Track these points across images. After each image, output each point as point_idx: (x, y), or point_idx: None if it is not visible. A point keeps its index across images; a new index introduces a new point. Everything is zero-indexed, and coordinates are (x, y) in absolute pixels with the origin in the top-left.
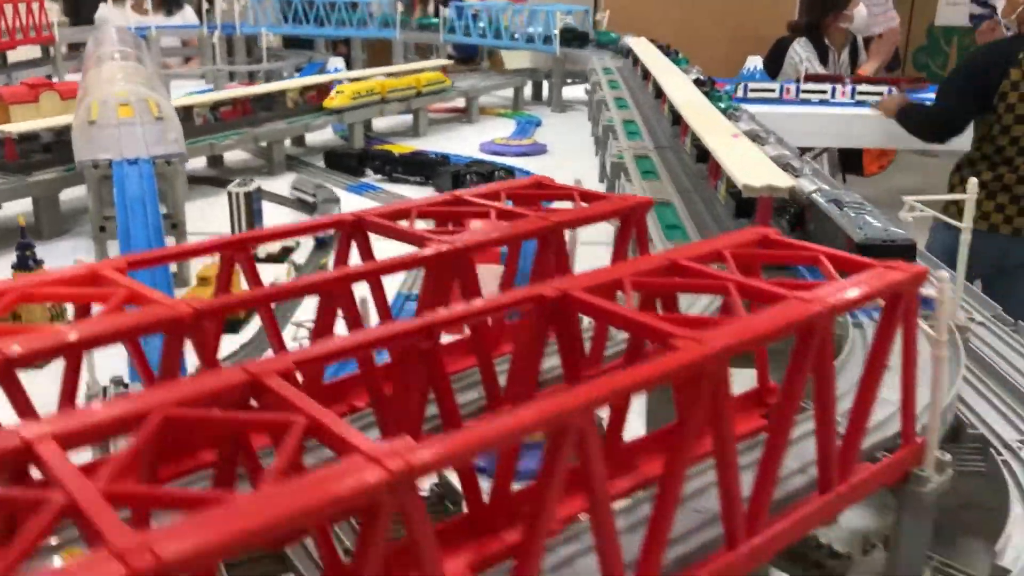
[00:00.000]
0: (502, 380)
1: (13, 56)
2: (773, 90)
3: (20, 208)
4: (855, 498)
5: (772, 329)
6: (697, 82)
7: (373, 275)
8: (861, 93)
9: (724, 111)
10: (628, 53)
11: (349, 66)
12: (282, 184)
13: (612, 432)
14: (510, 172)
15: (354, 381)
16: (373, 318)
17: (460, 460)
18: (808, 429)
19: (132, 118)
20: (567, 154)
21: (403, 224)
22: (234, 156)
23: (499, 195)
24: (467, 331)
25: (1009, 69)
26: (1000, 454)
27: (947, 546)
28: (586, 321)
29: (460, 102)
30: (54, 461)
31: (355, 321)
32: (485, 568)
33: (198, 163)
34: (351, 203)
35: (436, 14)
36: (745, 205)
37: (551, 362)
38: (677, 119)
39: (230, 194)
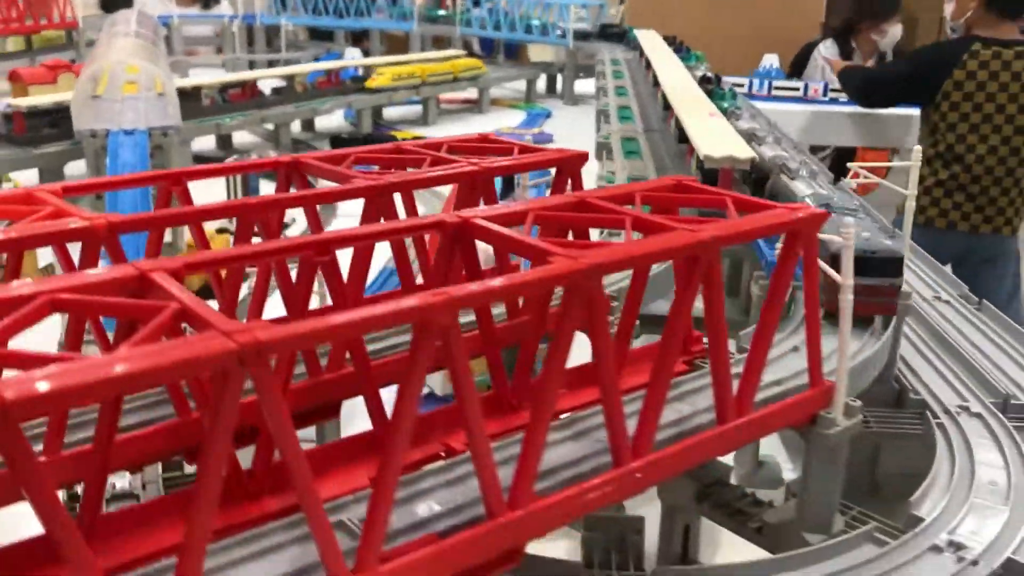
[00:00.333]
0: None
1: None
2: (798, 88)
3: (27, 179)
4: (756, 433)
5: (648, 252)
6: (703, 79)
7: (299, 202)
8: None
9: (725, 110)
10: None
11: (367, 57)
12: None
13: (522, 364)
14: None
15: None
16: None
17: (309, 342)
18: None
19: (136, 93)
20: (572, 143)
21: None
22: (243, 138)
23: (441, 147)
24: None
25: (953, 69)
26: (937, 418)
27: (893, 517)
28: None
29: (472, 93)
30: None
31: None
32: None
33: (207, 144)
34: None
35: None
36: (711, 177)
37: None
38: (668, 104)
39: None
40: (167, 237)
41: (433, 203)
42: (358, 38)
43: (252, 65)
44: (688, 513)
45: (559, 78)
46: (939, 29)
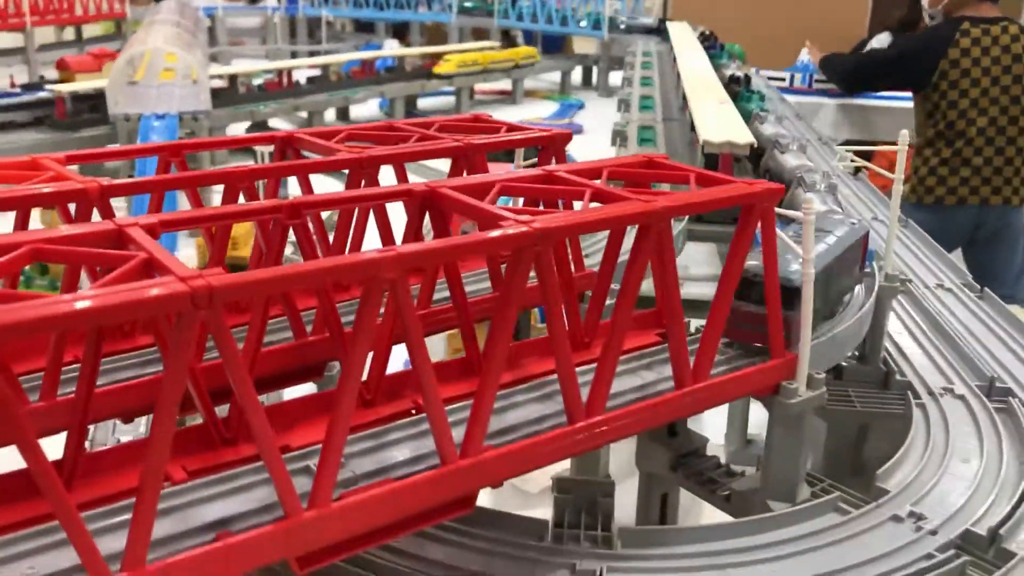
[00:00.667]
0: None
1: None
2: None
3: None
4: (714, 399)
5: (596, 219)
6: (732, 79)
7: (284, 172)
8: None
9: (749, 112)
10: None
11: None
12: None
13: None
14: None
15: None
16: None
17: (257, 290)
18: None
19: (172, 80)
20: (602, 135)
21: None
22: (278, 126)
23: (432, 125)
24: None
25: (947, 49)
26: (919, 398)
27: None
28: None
29: (506, 84)
30: None
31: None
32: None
33: (241, 131)
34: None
35: None
36: (713, 163)
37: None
38: None
39: (256, 152)
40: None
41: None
42: (399, 30)
43: (294, 56)
44: (665, 482)
45: (595, 70)
46: None
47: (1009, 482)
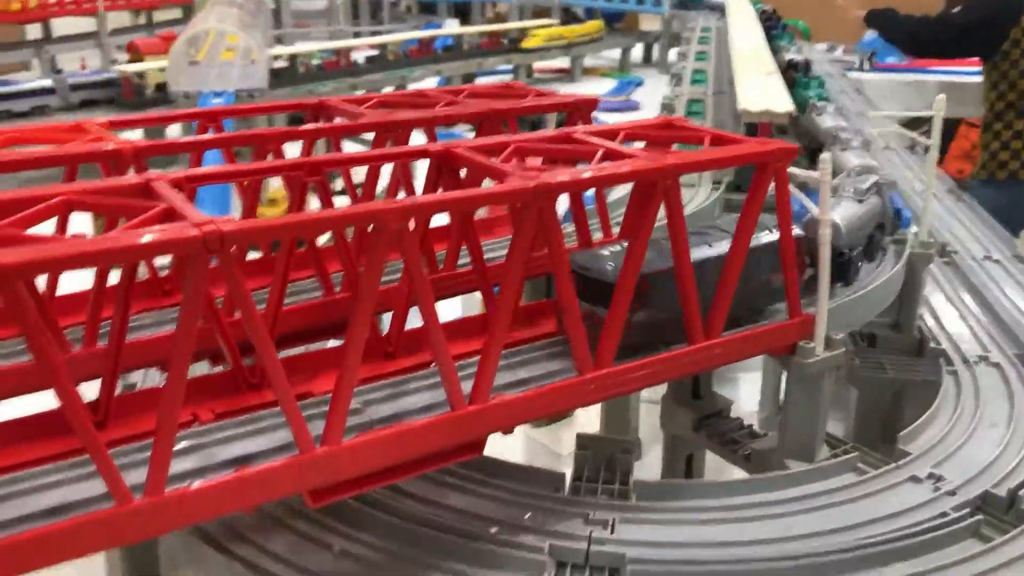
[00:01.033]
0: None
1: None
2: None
3: (134, 138)
4: (728, 356)
5: (604, 176)
6: (790, 64)
7: (311, 135)
8: None
9: (805, 101)
10: None
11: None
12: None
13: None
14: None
15: None
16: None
17: (269, 235)
18: None
19: (232, 60)
20: (658, 110)
21: (360, 108)
22: None
23: (461, 92)
24: None
25: (1020, 17)
26: (951, 365)
27: None
28: None
29: (565, 62)
30: None
31: None
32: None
33: None
34: None
35: None
36: (751, 131)
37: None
38: None
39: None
40: None
41: None
42: (460, 10)
43: (357, 36)
44: (689, 443)
45: (655, 47)
46: None
47: None
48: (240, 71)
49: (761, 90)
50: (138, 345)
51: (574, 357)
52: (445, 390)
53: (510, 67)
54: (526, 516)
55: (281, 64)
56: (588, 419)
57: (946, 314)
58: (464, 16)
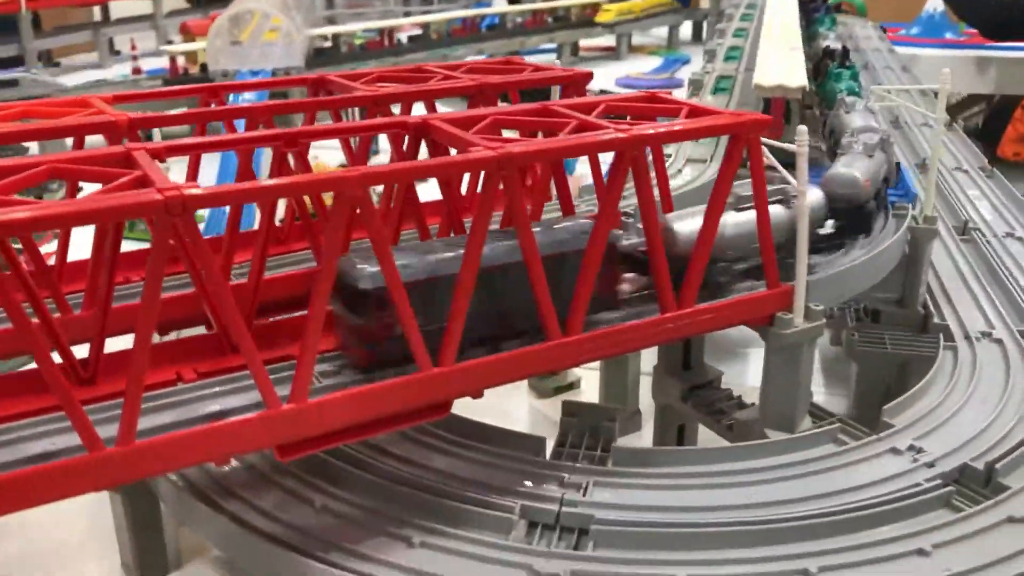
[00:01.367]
0: None
1: None
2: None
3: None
4: (702, 326)
5: (569, 146)
6: (826, 52)
7: (304, 108)
8: None
9: (834, 95)
10: None
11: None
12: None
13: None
14: None
15: None
16: None
17: (226, 200)
18: None
19: (274, 40)
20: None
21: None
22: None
23: (459, 68)
24: None
25: None
26: (952, 341)
27: None
28: None
29: (611, 40)
30: None
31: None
32: None
33: None
34: None
35: None
36: (767, 106)
37: None
38: None
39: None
40: None
41: None
42: None
43: (407, 16)
44: (680, 414)
45: (705, 25)
46: None
47: None
48: (278, 50)
49: (779, 65)
50: (126, 310)
51: (542, 321)
52: (412, 352)
53: (554, 45)
54: (503, 478)
55: (324, 44)
56: (593, 390)
57: (956, 290)
58: None
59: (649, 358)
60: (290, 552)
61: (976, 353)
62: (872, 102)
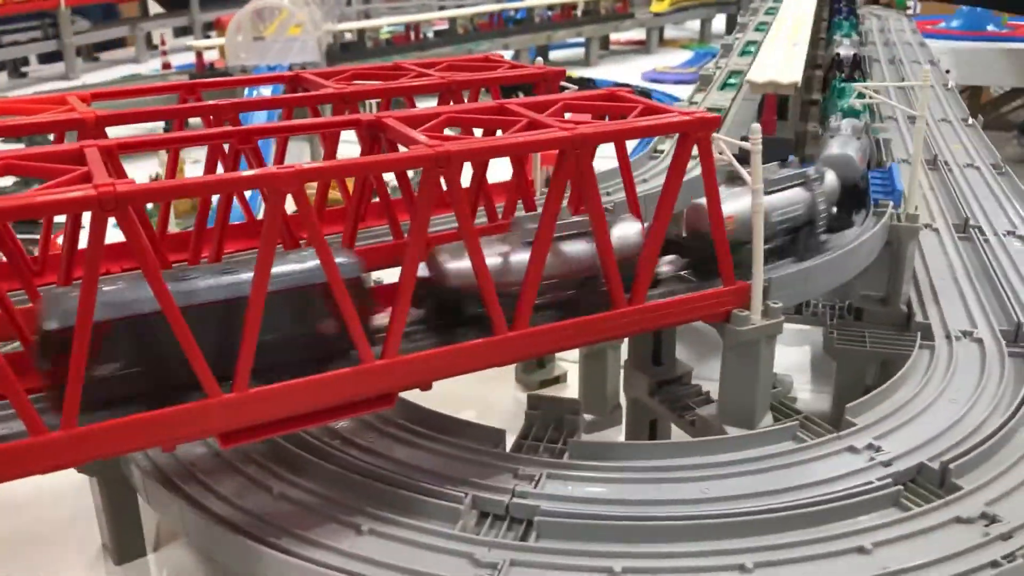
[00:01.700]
0: None
1: None
2: None
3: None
4: (654, 322)
5: (510, 144)
6: (834, 61)
7: (267, 105)
8: None
9: (832, 110)
10: None
11: None
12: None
13: None
14: (646, 94)
15: None
16: None
17: (160, 196)
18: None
19: (296, 35)
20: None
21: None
22: None
23: (436, 65)
24: None
25: None
26: (930, 340)
27: None
28: None
29: (641, 34)
30: None
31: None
32: None
33: None
34: None
35: None
36: (771, 104)
37: None
38: None
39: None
40: None
41: None
42: None
43: (442, 10)
44: (650, 408)
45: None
46: None
47: (991, 424)
48: (299, 46)
49: (777, 60)
50: None
51: (490, 316)
52: (355, 344)
53: (582, 40)
54: (459, 468)
55: (349, 38)
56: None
57: (944, 288)
58: None
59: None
60: (240, 536)
61: (954, 352)
62: (854, 98)
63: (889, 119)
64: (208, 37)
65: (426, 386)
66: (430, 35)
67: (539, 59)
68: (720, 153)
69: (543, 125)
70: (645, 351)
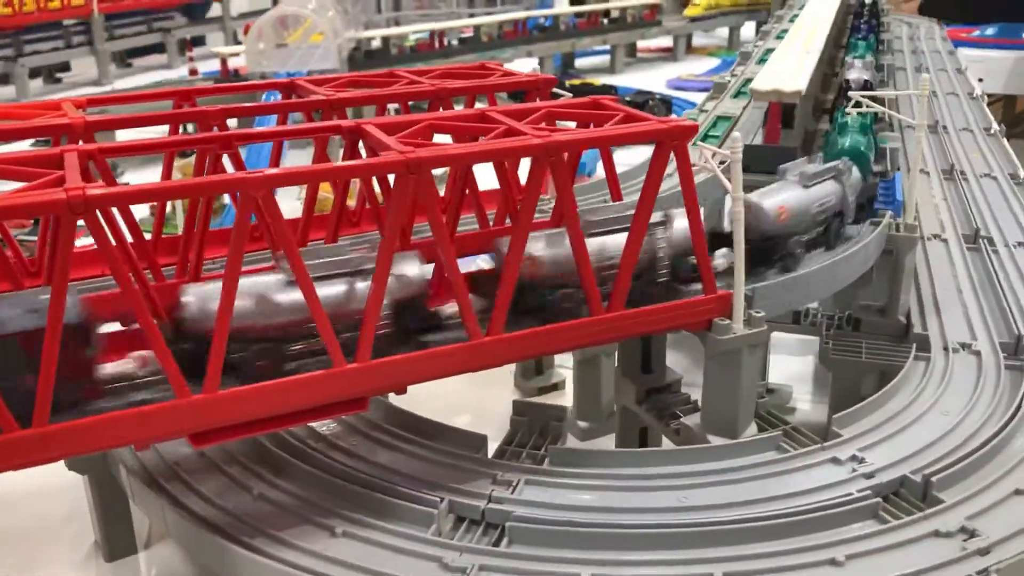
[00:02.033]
0: None
1: None
2: None
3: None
4: (632, 329)
5: (483, 151)
6: (842, 88)
7: (259, 111)
8: None
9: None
10: None
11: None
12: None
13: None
14: (667, 102)
15: None
16: None
17: (130, 200)
18: None
19: (318, 43)
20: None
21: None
22: None
23: (430, 72)
24: None
25: None
26: (927, 352)
27: None
28: None
29: (668, 42)
30: None
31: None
32: None
33: None
34: None
35: None
36: (776, 112)
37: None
38: None
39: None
40: None
41: None
42: None
43: (471, 16)
44: (636, 415)
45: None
46: None
47: (979, 437)
48: (319, 52)
49: (784, 68)
50: None
51: (465, 322)
52: (327, 347)
53: (607, 48)
54: (438, 473)
55: (376, 46)
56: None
57: (947, 299)
58: None
59: None
60: (216, 535)
61: (950, 364)
62: (850, 107)
63: (907, 128)
64: (238, 43)
65: (400, 390)
66: (455, 42)
67: (536, 67)
68: (705, 162)
69: (519, 133)
70: (634, 358)
